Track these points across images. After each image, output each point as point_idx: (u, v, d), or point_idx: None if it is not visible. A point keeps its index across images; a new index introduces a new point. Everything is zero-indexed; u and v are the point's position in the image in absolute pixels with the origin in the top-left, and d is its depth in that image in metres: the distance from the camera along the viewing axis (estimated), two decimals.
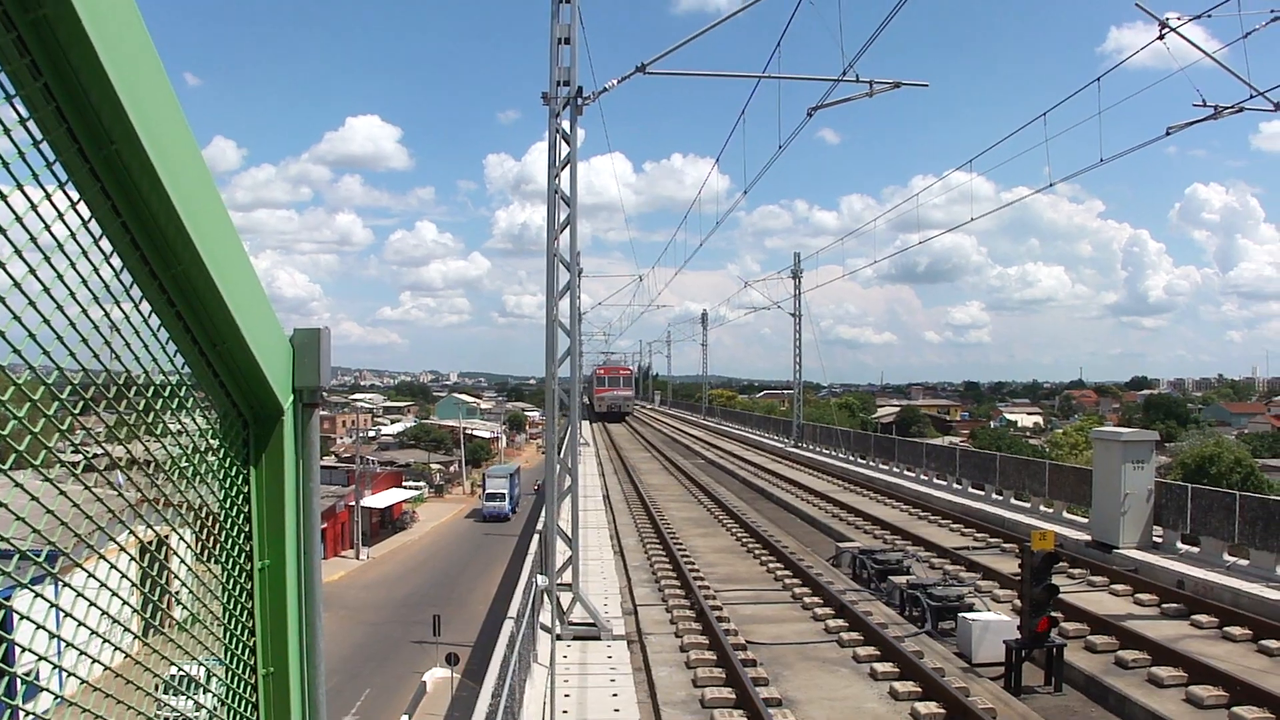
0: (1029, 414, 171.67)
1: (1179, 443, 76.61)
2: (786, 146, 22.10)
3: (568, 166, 17.61)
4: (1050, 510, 29.21)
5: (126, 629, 1.94)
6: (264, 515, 2.62)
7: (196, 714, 2.27)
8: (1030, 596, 15.49)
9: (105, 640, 1.84)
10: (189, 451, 2.26)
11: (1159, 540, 23.88)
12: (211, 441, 2.41)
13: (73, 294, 1.75)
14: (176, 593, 2.20)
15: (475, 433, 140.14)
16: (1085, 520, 27.07)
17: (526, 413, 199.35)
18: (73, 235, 1.76)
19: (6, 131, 1.58)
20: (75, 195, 1.78)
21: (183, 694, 2.20)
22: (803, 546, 28.07)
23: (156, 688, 2.08)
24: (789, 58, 20.51)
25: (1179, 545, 23.41)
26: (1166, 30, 18.63)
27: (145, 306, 2.06)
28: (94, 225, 1.85)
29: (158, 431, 2.09)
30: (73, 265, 1.76)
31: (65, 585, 1.81)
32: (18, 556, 1.64)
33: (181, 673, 2.21)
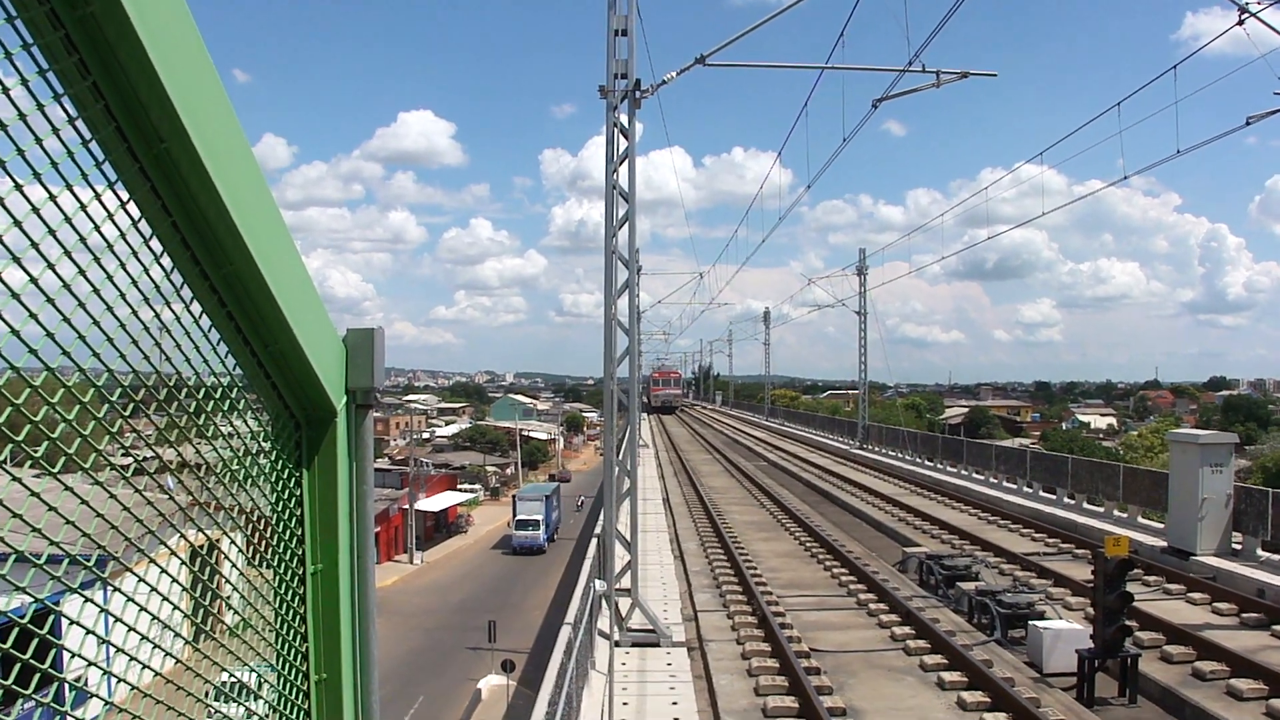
0: (1102, 415, 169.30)
1: (1259, 446, 75.09)
2: (851, 139, 21.95)
3: (625, 161, 17.61)
4: (1124, 515, 28.73)
5: (177, 634, 1.95)
6: (316, 519, 2.63)
7: None
8: (1103, 604, 15.23)
9: (156, 646, 1.85)
10: (240, 454, 2.27)
11: (1238, 547, 23.33)
12: (263, 444, 2.43)
13: (123, 295, 1.76)
14: (228, 598, 2.21)
15: (532, 434, 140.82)
16: (1161, 526, 26.56)
17: (584, 414, 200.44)
18: (122, 235, 1.77)
19: (55, 131, 1.59)
20: (125, 195, 1.79)
21: (234, 700, 2.21)
22: (868, 551, 27.87)
23: (207, 694, 2.09)
24: (853, 48, 20.34)
25: (1259, 552, 22.81)
26: (1246, 15, 18.21)
27: (196, 307, 2.07)
28: (144, 225, 1.86)
29: (209, 434, 2.10)
30: (123, 266, 1.77)
31: (115, 590, 1.82)
32: (67, 561, 1.65)
33: (233, 679, 2.22)
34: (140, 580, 1.86)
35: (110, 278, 1.73)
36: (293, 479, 2.55)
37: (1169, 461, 25.50)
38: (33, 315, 1.54)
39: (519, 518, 71.87)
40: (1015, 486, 36.36)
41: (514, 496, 76.61)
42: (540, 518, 71.15)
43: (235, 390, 2.25)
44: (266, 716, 2.36)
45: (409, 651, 45.90)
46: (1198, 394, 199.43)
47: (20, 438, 1.51)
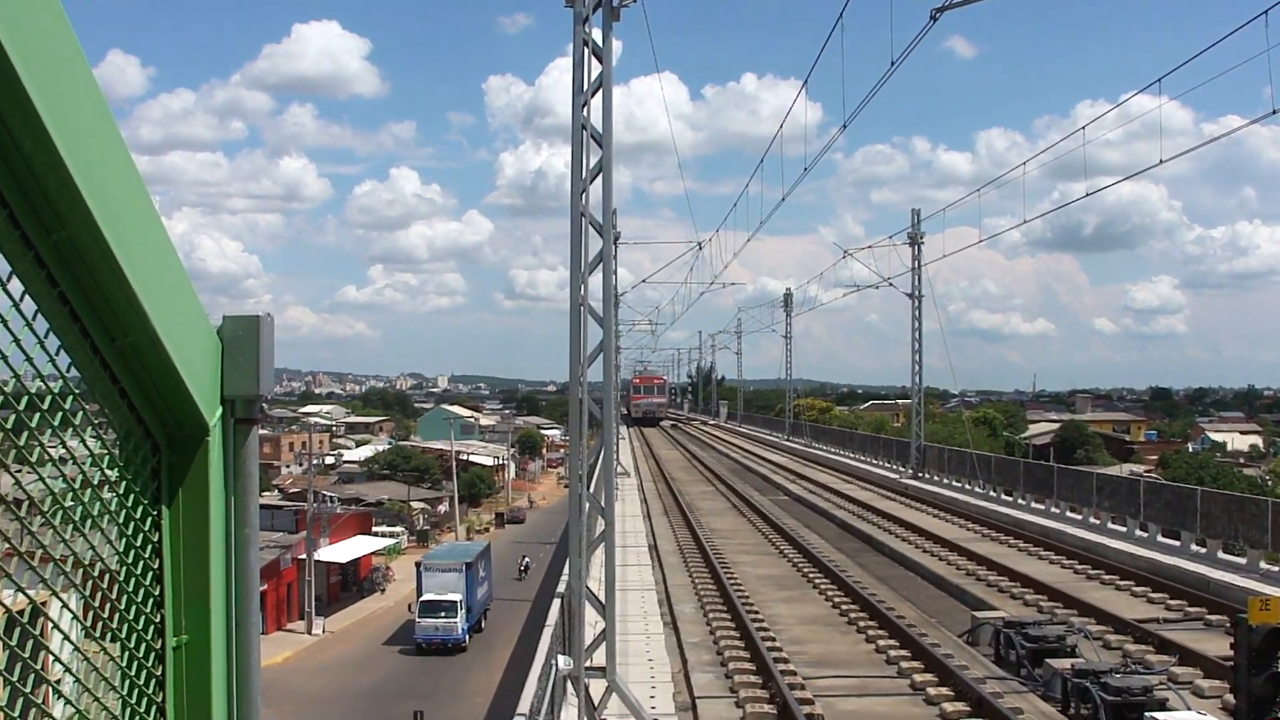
0: (1243, 433, 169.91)
1: None
2: (901, 62, 22.06)
3: (599, 92, 17.61)
4: (1275, 569, 28.87)
5: None
6: (180, 574, 2.62)
7: None
8: (1248, 689, 15.25)
9: None
10: (76, 487, 2.25)
11: None
12: (108, 473, 2.40)
13: None
14: (57, 681, 2.19)
15: (473, 458, 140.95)
16: None
17: (543, 431, 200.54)
18: None
19: None
20: None
21: None
22: (925, 617, 27.95)
23: None
24: None
25: None
26: None
27: (16, 286, 2.04)
28: None
29: (32, 459, 2.07)
30: None
31: None
32: None
33: None
34: None
35: None
36: (148, 520, 2.54)
37: None
38: None
39: (426, 597, 64.33)
40: (1124, 529, 36.48)
41: (418, 565, 68.26)
42: (459, 597, 64.02)
43: (69, 399, 2.22)
44: None
45: None
46: None
47: None
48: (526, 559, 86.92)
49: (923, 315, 59.22)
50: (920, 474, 58.73)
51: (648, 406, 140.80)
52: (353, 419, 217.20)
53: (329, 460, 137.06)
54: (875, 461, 68.76)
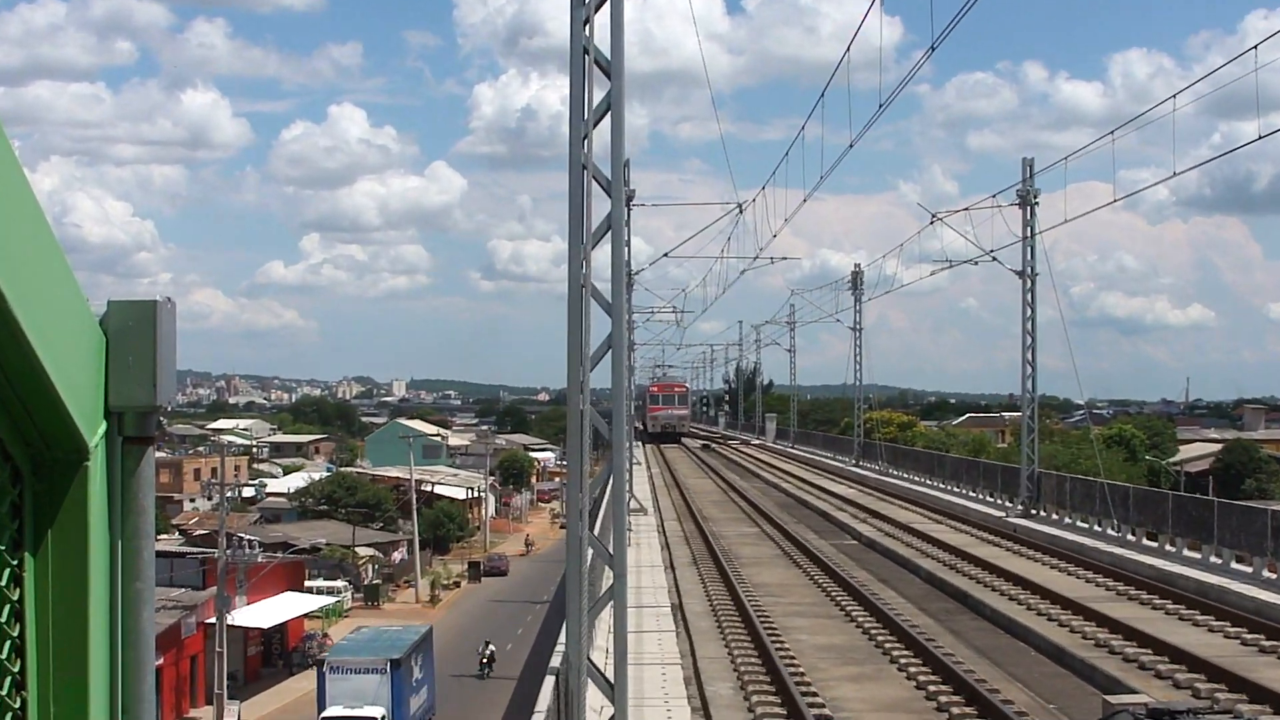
0: None
1: None
2: None
3: (607, 2, 17.62)
4: None
5: None
6: (49, 646, 2.61)
7: None
8: None
9: None
10: None
11: None
12: None
13: None
14: None
15: (439, 489, 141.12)
16: None
17: (532, 452, 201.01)
18: None
19: None
20: None
21: None
22: (1039, 702, 27.93)
23: None
24: None
25: None
26: None
27: None
28: None
29: None
30: None
31: None
32: None
33: None
34: None
35: None
36: (4, 573, 2.54)
37: None
38: None
39: (330, 713, 59.19)
40: None
41: (319, 667, 63.17)
42: (380, 713, 59.01)
43: None
44: None
45: None
46: None
47: None
48: (491, 647, 79.73)
49: (1036, 300, 59.13)
50: (1033, 511, 58.57)
51: (667, 419, 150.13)
52: (280, 437, 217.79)
53: (248, 492, 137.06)
54: (973, 494, 68.66)
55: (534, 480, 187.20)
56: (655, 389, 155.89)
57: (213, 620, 69.19)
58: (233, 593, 71.49)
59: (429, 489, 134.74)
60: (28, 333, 2.34)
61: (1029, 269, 58.88)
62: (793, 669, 29.99)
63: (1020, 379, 60.82)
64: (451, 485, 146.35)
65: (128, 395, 2.70)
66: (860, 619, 37.31)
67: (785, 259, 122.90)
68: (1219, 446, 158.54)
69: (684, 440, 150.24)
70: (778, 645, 32.71)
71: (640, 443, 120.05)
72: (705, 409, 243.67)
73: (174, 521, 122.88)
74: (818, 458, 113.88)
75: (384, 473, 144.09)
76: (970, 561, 47.49)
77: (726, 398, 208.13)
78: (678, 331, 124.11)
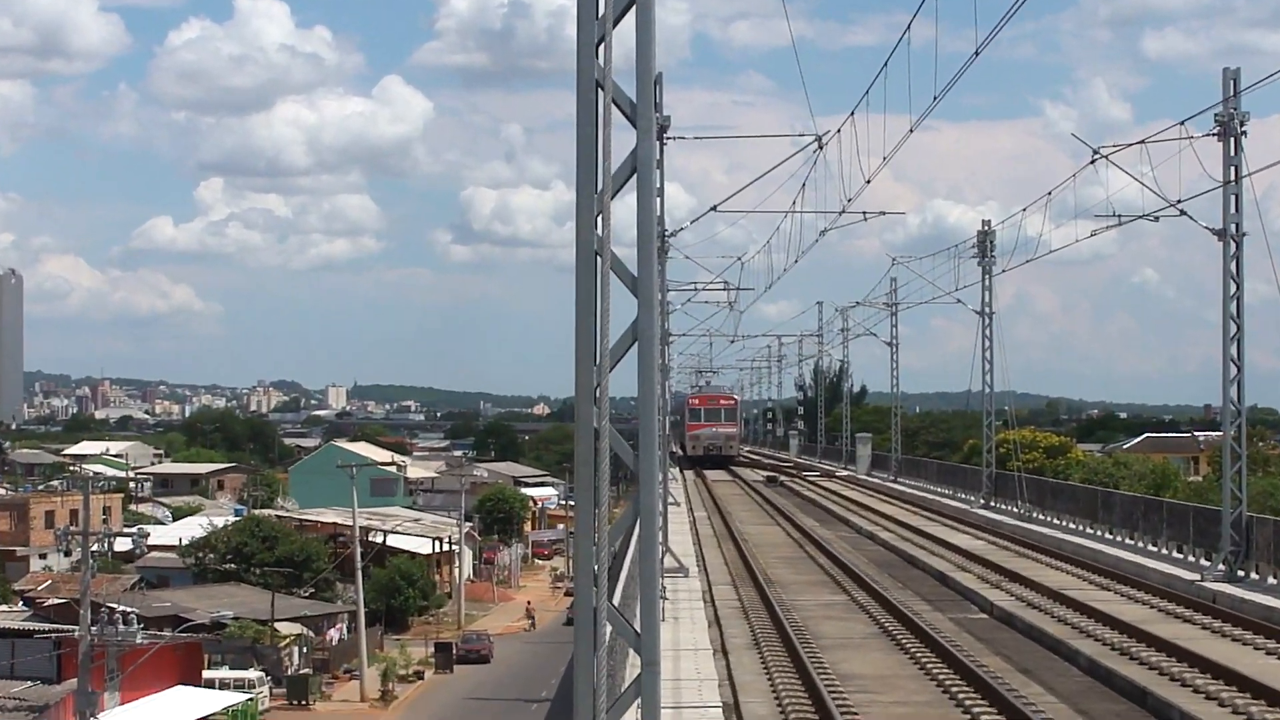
0: None
1: None
2: None
3: None
4: None
5: None
6: None
7: None
8: None
9: None
10: None
11: None
12: None
13: None
14: None
15: (394, 539, 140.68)
16: None
17: (525, 487, 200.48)
18: None
19: None
20: None
21: None
22: None
23: None
24: None
25: None
26: None
27: None
28: None
29: None
30: None
31: None
32: None
33: None
34: None
35: None
36: None
37: None
38: None
39: None
40: None
41: None
42: None
43: None
44: None
45: None
46: None
47: None
48: None
49: (1244, 271, 58.52)
50: (1240, 571, 57.91)
51: (711, 440, 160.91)
52: (167, 467, 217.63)
53: (122, 544, 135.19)
54: (1153, 547, 68.15)
55: (528, 528, 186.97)
56: (696, 401, 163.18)
57: None
58: (100, 688, 71.59)
59: (380, 540, 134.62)
60: None
61: (1232, 227, 57.91)
62: None
63: (1221, 384, 59.92)
64: (412, 535, 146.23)
65: None
66: None
67: (883, 214, 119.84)
68: None
69: (736, 468, 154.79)
70: None
71: (677, 470, 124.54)
72: (769, 426, 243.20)
73: (16, 586, 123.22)
74: (931, 495, 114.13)
75: (316, 517, 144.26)
76: (1150, 644, 47.06)
77: (800, 411, 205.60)
78: (731, 318, 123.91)
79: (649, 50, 17.74)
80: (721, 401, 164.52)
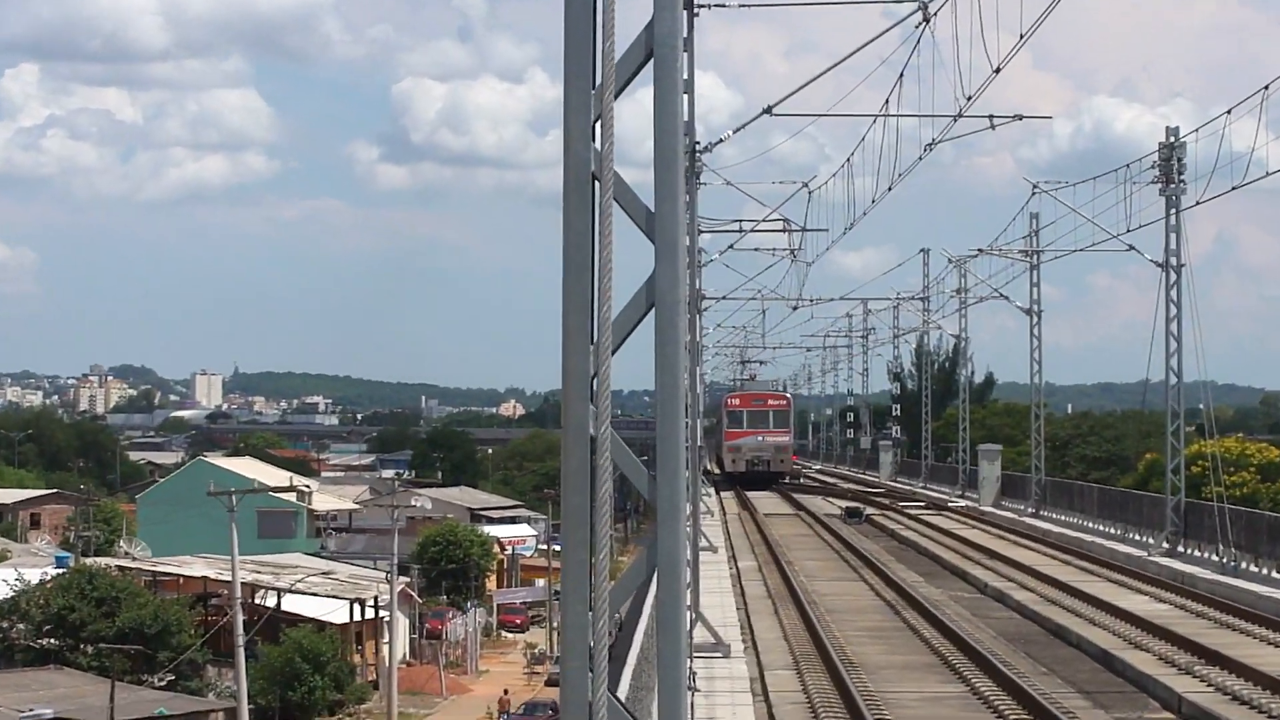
0: None
1: None
2: None
3: None
4: None
5: None
6: None
7: None
8: None
9: None
10: None
11: None
12: None
13: None
14: None
15: (292, 602, 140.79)
16: None
17: (489, 526, 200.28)
18: None
19: None
20: None
21: None
22: None
23: None
24: None
25: None
26: None
27: None
28: None
29: None
30: None
31: None
32: None
33: None
34: None
35: None
36: None
37: None
38: None
39: None
40: None
41: None
42: None
43: None
44: None
45: None
46: None
47: None
48: None
49: None
50: None
51: (756, 451, 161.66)
52: None
53: None
54: None
55: (492, 584, 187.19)
56: (737, 400, 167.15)
57: None
58: None
59: (273, 603, 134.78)
60: None
61: None
62: None
63: None
64: (321, 596, 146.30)
65: None
66: None
67: (1020, 119, 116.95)
68: None
69: (800, 495, 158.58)
70: None
71: (711, 493, 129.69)
72: (850, 435, 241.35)
73: None
74: (1089, 537, 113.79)
75: (178, 569, 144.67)
76: None
77: (895, 411, 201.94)
78: (793, 273, 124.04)
79: None
80: (771, 402, 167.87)
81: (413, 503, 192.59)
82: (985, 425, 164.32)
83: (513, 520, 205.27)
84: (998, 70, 60.50)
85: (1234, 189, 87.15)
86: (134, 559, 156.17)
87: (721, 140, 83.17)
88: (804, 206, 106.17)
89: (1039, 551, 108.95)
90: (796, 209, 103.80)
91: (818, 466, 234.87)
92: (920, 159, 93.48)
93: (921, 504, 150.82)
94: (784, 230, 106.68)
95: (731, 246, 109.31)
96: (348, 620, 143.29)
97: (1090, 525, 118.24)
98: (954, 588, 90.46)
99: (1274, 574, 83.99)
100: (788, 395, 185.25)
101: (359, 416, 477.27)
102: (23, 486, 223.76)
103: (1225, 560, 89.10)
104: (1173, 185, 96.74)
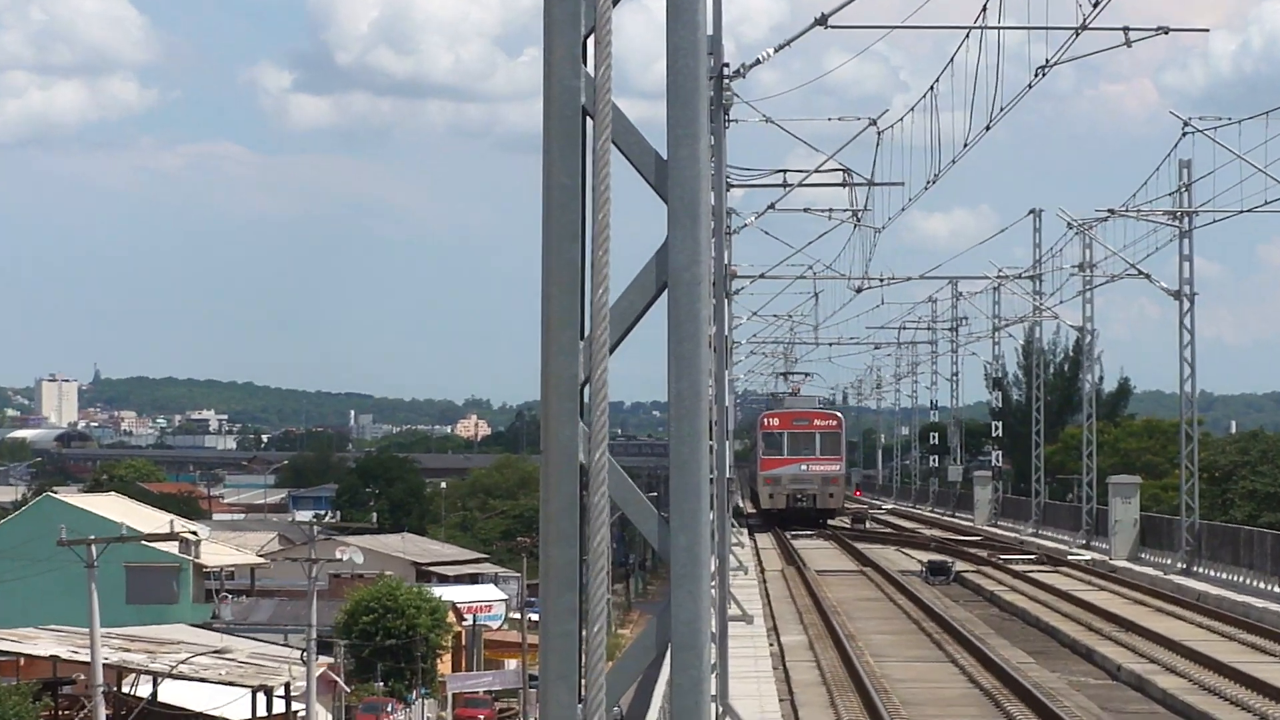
0: None
1: None
2: None
3: None
4: None
5: None
6: None
7: None
8: None
9: None
10: None
11: None
12: None
13: None
14: None
15: (171, 693, 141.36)
16: None
17: (439, 584, 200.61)
18: None
19: None
20: None
21: None
22: None
23: None
24: None
25: None
26: None
27: None
28: None
29: None
30: None
31: None
32: None
33: None
34: None
35: None
36: None
37: None
38: None
39: None
40: None
41: None
42: None
43: None
44: None
45: None
46: None
47: None
48: None
49: None
50: None
51: (799, 483, 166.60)
52: None
53: None
54: None
55: (445, 667, 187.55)
56: (776, 419, 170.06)
57: None
58: None
59: (145, 691, 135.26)
60: None
61: None
62: None
63: None
64: (211, 683, 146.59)
65: None
66: None
67: (1165, 33, 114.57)
68: None
69: (861, 543, 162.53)
70: None
71: (741, 538, 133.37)
72: (935, 463, 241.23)
73: None
74: (1258, 601, 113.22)
75: (18, 646, 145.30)
76: None
77: (997, 431, 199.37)
78: (855, 241, 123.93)
79: None
80: (817, 421, 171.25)
81: (338, 555, 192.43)
82: (1118, 450, 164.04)
83: (474, 579, 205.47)
84: None
85: None
86: None
87: (759, 61, 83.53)
88: (871, 152, 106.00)
89: (1191, 621, 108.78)
90: (861, 156, 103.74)
91: (889, 505, 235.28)
92: (1030, 87, 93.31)
93: (1031, 557, 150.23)
94: (844, 184, 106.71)
95: (773, 206, 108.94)
96: (249, 716, 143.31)
97: (1261, 586, 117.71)
98: (1076, 671, 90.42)
99: None
100: (838, 414, 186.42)
101: (264, 438, 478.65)
102: None
103: None
104: None
